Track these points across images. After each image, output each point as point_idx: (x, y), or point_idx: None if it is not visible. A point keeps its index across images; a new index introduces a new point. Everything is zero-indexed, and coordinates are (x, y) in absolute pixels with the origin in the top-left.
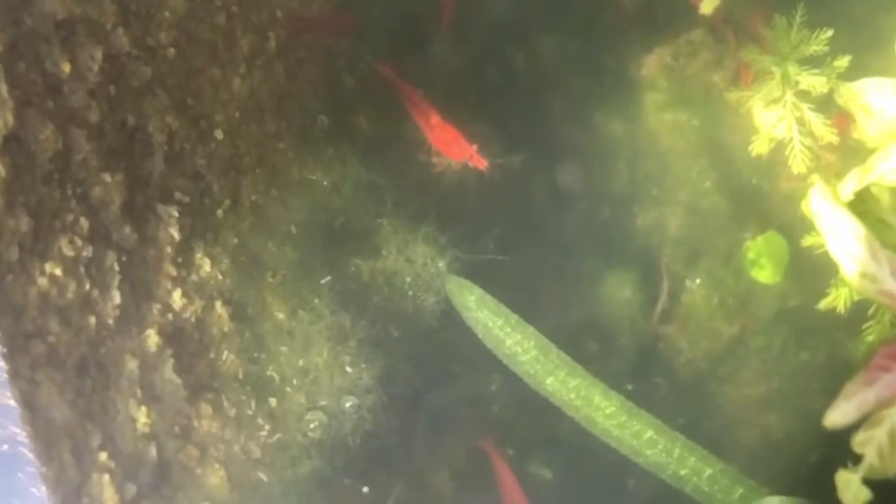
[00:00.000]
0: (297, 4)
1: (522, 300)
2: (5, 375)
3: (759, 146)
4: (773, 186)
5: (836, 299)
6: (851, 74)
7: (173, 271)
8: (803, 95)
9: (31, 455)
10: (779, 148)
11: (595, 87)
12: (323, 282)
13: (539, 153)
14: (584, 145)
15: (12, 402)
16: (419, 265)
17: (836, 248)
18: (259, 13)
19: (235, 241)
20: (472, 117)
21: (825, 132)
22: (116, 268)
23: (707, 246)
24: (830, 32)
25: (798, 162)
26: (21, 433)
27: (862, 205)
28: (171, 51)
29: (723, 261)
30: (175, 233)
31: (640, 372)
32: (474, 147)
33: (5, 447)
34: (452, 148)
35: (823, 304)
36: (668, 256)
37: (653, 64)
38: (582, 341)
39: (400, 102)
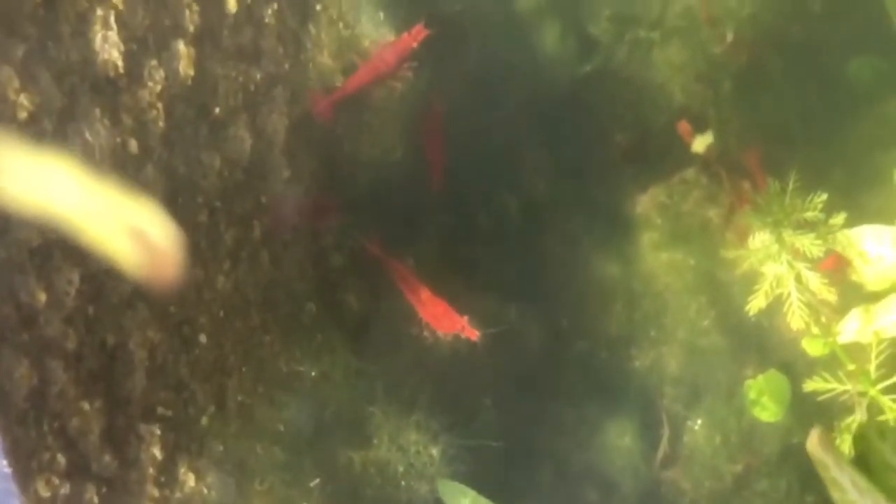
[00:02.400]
0: (281, 187)
1: (519, 475)
2: None
3: (758, 302)
4: (772, 323)
5: (842, 444)
6: (850, 214)
7: (156, 492)
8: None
9: None
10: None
11: (590, 227)
12: (312, 484)
13: (534, 301)
14: (580, 289)
15: None
16: (412, 453)
17: (839, 499)
18: (243, 203)
19: (221, 448)
20: (465, 275)
21: (823, 290)
22: (96, 501)
23: (707, 385)
24: (825, 196)
25: (796, 319)
26: None
27: (864, 444)
28: None
29: (724, 400)
30: (157, 452)
31: None
32: (465, 318)
33: None
34: (443, 321)
35: None
36: (669, 397)
37: (647, 202)
38: (583, 492)
39: (389, 278)
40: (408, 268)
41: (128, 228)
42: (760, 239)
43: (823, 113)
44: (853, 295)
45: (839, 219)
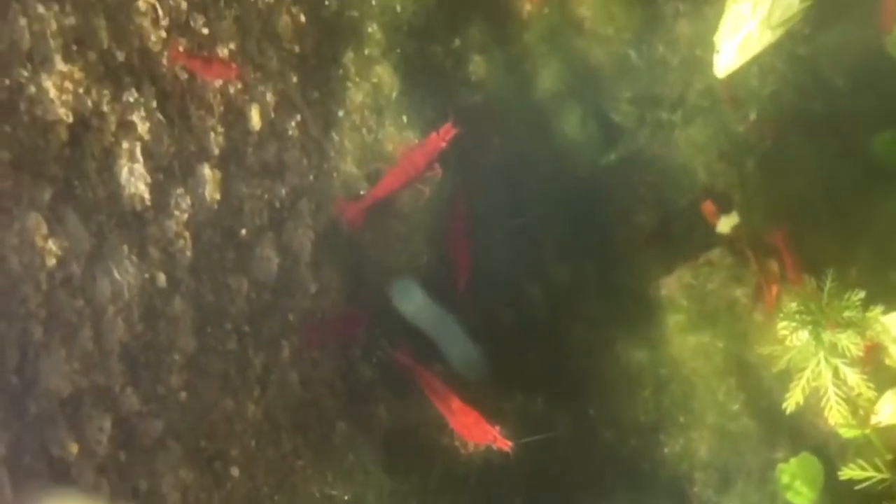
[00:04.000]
0: (309, 303)
1: None
2: None
3: (795, 398)
4: (803, 405)
5: None
6: (879, 293)
7: None
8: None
9: None
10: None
11: (615, 312)
12: None
13: (561, 391)
14: (606, 376)
15: None
16: None
17: None
18: (271, 325)
19: None
20: (491, 372)
21: (862, 386)
22: None
23: (739, 470)
24: (863, 294)
25: (834, 414)
26: None
27: None
28: (183, 395)
29: (756, 484)
30: None
31: None
32: (497, 428)
33: None
34: (475, 431)
35: None
36: (699, 483)
37: (673, 284)
38: None
39: (419, 388)
40: (437, 376)
41: None
42: (798, 336)
43: (849, 189)
44: (886, 377)
45: (876, 312)
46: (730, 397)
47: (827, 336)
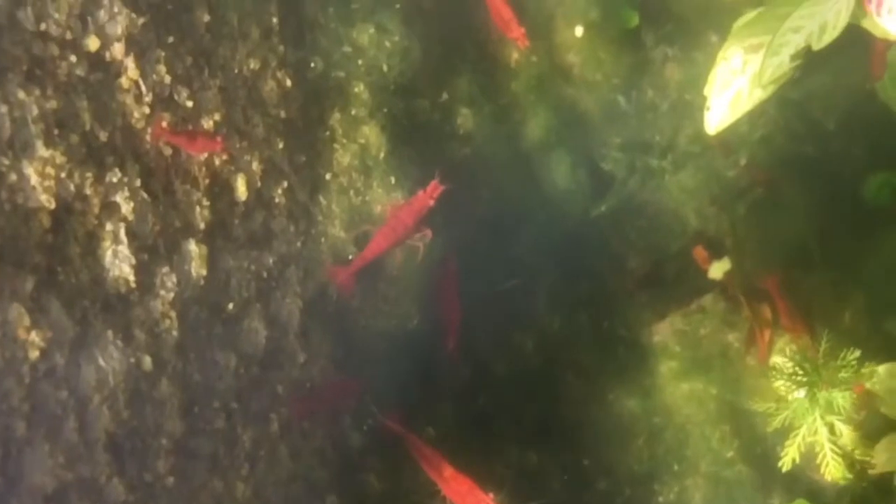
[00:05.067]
0: (297, 373)
1: None
2: None
3: (791, 454)
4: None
5: None
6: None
7: None
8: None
9: None
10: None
11: (608, 360)
12: None
13: (554, 443)
14: (599, 426)
15: None
16: None
17: None
18: (260, 399)
19: None
20: (484, 427)
21: (858, 445)
22: None
23: None
24: (858, 353)
25: (831, 469)
26: None
27: None
28: (171, 479)
29: None
30: None
31: None
32: (491, 496)
33: None
34: (468, 499)
35: None
36: None
37: (665, 330)
38: None
39: (410, 455)
40: (428, 443)
41: None
42: (793, 397)
43: (842, 233)
44: (880, 422)
45: (871, 368)
46: (724, 444)
47: (822, 395)
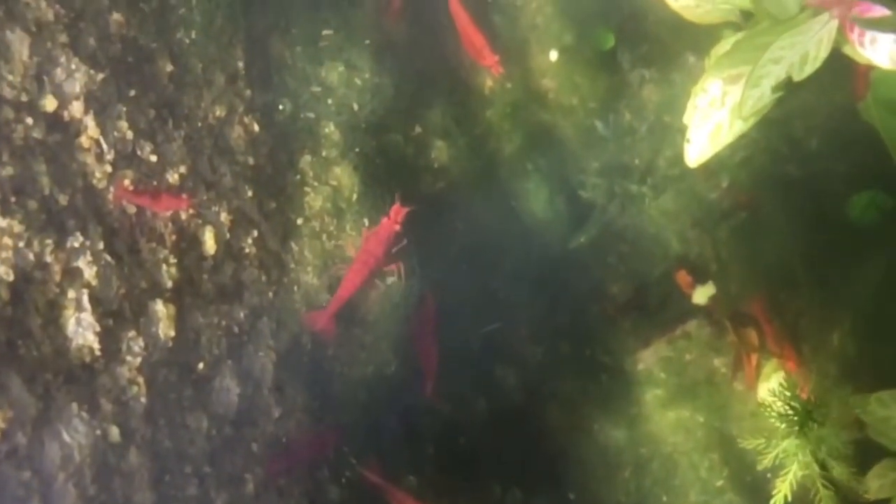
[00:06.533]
0: (272, 429)
1: None
2: None
3: (783, 491)
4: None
5: None
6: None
7: None
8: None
9: None
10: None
11: (592, 390)
12: None
13: (538, 478)
14: (585, 459)
15: None
16: None
17: None
18: (233, 460)
19: None
20: (466, 466)
21: (851, 482)
22: None
23: None
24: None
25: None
26: None
27: None
28: None
29: None
30: None
31: None
32: None
33: None
34: None
35: None
36: None
37: (650, 357)
38: None
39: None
40: (409, 492)
41: None
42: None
43: (827, 254)
44: (871, 447)
45: (861, 397)
46: (713, 473)
47: (814, 433)
